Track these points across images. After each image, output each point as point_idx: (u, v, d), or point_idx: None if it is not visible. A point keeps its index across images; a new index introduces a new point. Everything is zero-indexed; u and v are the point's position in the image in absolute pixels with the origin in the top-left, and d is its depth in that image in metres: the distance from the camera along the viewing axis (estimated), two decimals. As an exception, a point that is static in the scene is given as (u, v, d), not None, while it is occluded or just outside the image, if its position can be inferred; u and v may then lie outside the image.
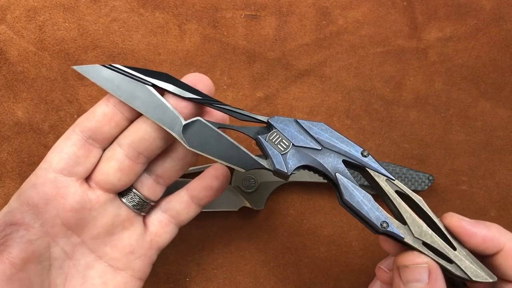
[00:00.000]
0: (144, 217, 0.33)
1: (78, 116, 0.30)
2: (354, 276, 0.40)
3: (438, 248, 0.28)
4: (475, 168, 0.41)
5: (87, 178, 0.30)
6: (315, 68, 0.41)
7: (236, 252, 0.40)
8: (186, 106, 0.29)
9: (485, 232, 0.28)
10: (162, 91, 0.29)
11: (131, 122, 0.30)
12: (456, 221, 0.28)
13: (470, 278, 0.27)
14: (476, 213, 0.41)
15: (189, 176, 0.39)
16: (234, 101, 0.40)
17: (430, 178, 0.39)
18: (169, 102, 0.29)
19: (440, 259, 0.28)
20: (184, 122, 0.29)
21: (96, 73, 0.29)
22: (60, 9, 0.39)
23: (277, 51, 0.41)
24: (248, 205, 0.39)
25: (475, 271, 0.27)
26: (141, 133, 0.29)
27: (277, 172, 0.28)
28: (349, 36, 0.41)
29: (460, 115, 0.41)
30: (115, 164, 0.30)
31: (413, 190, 0.39)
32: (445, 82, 0.41)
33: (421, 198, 0.29)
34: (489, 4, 0.41)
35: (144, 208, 0.32)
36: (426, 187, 0.39)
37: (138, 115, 0.30)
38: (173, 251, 0.40)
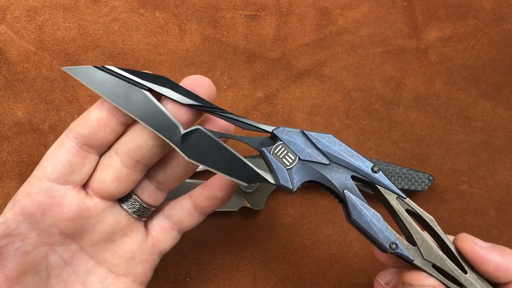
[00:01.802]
0: (146, 222, 0.32)
1: (78, 116, 0.29)
2: (354, 276, 0.40)
3: (448, 271, 0.27)
4: (475, 168, 0.41)
5: (85, 185, 0.29)
6: (315, 68, 0.41)
7: (236, 252, 0.40)
8: (186, 113, 0.28)
9: (499, 261, 0.27)
10: (159, 96, 0.27)
11: (127, 126, 0.29)
12: (469, 245, 0.27)
13: None
14: (476, 213, 0.41)
15: (194, 176, 0.39)
16: (234, 101, 0.40)
17: (430, 178, 0.39)
18: (167, 109, 0.27)
19: (450, 282, 0.27)
20: (183, 131, 0.27)
21: (88, 75, 0.27)
22: (60, 9, 0.39)
23: (277, 51, 0.41)
24: (248, 205, 0.39)
25: None
26: (138, 141, 0.28)
27: (282, 187, 0.27)
28: (349, 36, 0.41)
29: (460, 115, 0.41)
30: (112, 173, 0.28)
31: (413, 190, 0.39)
32: (445, 82, 0.41)
33: (432, 218, 0.28)
34: (489, 4, 0.41)
35: (145, 214, 0.31)
36: (426, 187, 0.39)
37: (135, 120, 0.28)
38: (173, 251, 0.40)
